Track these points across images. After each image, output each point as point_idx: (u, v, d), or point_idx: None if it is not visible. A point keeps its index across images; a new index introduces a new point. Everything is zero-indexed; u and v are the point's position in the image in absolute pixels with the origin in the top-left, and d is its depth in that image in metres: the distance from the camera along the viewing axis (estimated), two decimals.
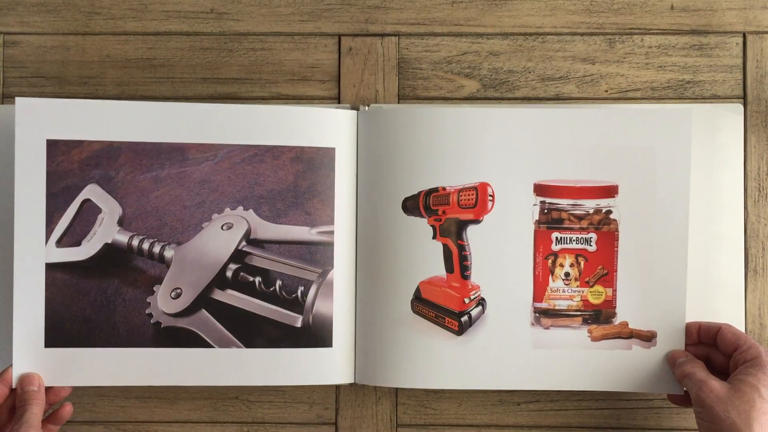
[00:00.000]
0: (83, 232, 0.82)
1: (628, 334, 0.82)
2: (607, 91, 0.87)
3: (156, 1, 0.89)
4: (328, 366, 0.82)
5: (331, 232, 0.82)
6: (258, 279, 0.82)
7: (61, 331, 0.81)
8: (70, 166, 0.81)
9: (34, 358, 0.81)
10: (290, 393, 0.87)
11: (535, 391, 0.86)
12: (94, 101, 0.83)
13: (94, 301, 0.82)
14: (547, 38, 0.88)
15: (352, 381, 0.84)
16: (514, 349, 0.82)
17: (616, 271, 0.82)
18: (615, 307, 0.82)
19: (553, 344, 0.83)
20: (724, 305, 0.85)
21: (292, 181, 0.82)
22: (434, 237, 0.82)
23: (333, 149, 0.83)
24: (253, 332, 0.82)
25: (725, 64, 0.87)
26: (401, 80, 0.88)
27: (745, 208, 0.86)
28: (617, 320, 0.82)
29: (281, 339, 0.82)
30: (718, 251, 0.85)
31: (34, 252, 0.81)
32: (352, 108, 0.86)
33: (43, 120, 0.81)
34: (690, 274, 0.82)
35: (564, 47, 0.88)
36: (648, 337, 0.81)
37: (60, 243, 0.81)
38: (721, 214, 0.85)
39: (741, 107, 0.86)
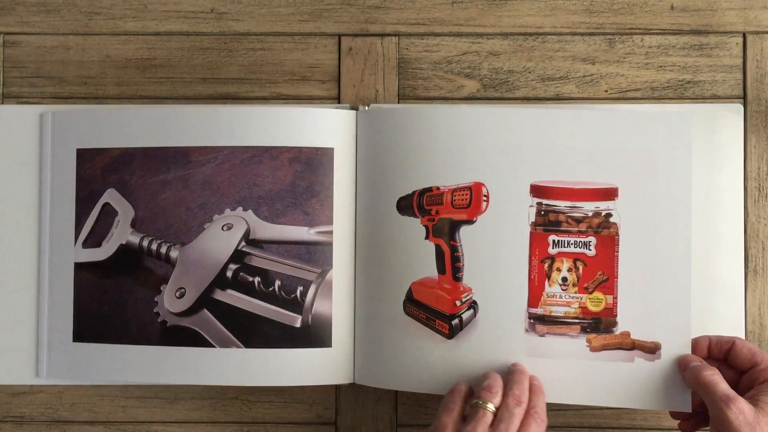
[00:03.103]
0: (103, 234, 0.87)
1: (630, 345, 0.80)
2: (607, 91, 0.89)
3: (156, 1, 0.91)
4: (328, 366, 0.84)
5: (330, 232, 0.84)
6: (257, 279, 0.85)
7: (86, 327, 0.87)
8: (94, 172, 0.87)
9: (64, 352, 0.87)
10: (290, 393, 0.89)
11: None
12: (115, 108, 0.88)
13: (111, 299, 0.86)
14: (547, 38, 0.89)
15: (351, 381, 0.85)
16: (506, 356, 0.81)
17: (617, 278, 0.81)
18: (616, 316, 0.81)
19: (549, 353, 0.81)
20: (724, 305, 0.86)
21: (291, 181, 0.84)
22: (426, 237, 0.82)
23: (332, 149, 0.84)
24: (253, 332, 0.84)
25: (725, 64, 0.88)
26: (401, 80, 0.90)
27: (745, 208, 0.87)
28: (618, 330, 0.80)
29: (280, 339, 0.84)
30: (718, 251, 0.86)
31: (66, 252, 0.87)
32: (352, 108, 0.87)
33: (74, 130, 0.87)
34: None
35: (564, 47, 0.89)
36: (651, 349, 0.79)
37: (85, 244, 0.87)
38: (721, 214, 0.86)
39: (741, 107, 0.87)
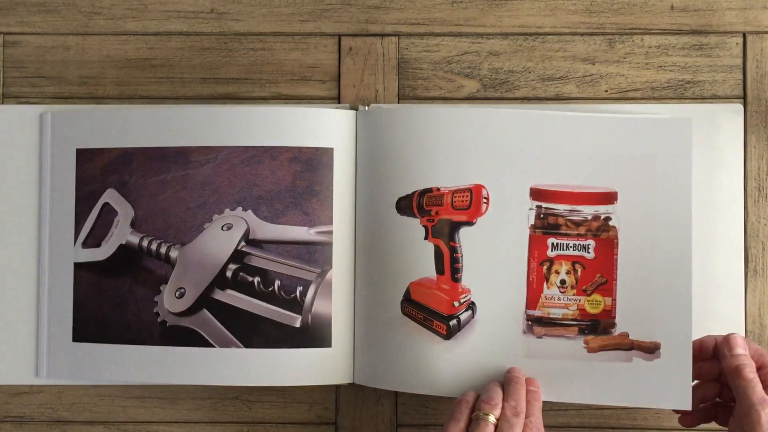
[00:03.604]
0: (102, 234, 0.87)
1: (628, 345, 0.80)
2: (607, 91, 0.89)
3: (156, 1, 0.91)
4: (327, 366, 0.84)
5: (330, 232, 0.84)
6: (257, 279, 0.85)
7: (86, 327, 0.87)
8: (94, 172, 0.87)
9: (63, 352, 0.87)
10: (290, 393, 0.89)
11: None
12: (115, 108, 0.89)
13: (110, 299, 0.87)
14: (547, 38, 0.90)
15: (351, 381, 0.85)
16: (504, 358, 0.82)
17: (616, 280, 0.81)
18: (614, 317, 0.81)
19: (547, 354, 0.81)
20: (724, 305, 0.86)
21: (291, 181, 0.85)
22: (426, 238, 0.82)
23: (331, 149, 0.85)
24: (253, 332, 0.84)
25: (725, 64, 0.89)
26: (401, 80, 0.90)
27: (745, 208, 0.87)
28: (617, 331, 0.81)
29: (280, 339, 0.84)
30: (718, 251, 0.87)
31: (65, 252, 0.88)
32: (352, 108, 0.88)
33: (74, 130, 0.88)
34: None
35: (564, 47, 0.89)
36: (651, 349, 0.80)
37: (85, 244, 0.87)
38: (721, 214, 0.87)
39: (741, 107, 0.87)
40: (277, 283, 0.85)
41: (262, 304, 0.85)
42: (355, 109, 0.87)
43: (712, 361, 0.80)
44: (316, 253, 0.84)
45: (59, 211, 0.88)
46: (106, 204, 0.87)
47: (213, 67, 0.91)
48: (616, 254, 0.81)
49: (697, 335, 0.80)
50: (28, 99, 0.91)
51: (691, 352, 0.79)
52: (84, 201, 0.88)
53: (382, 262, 0.84)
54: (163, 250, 0.86)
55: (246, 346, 0.84)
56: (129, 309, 0.86)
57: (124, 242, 0.87)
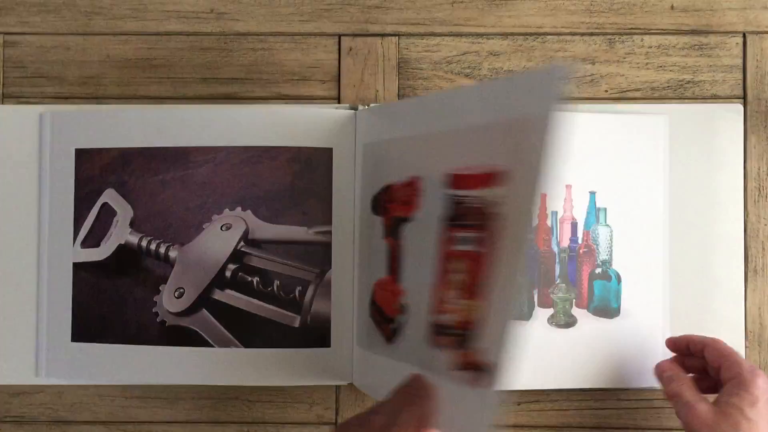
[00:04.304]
0: (102, 234, 0.87)
1: (470, 364, 0.63)
2: (607, 91, 0.89)
3: (156, 1, 0.91)
4: (327, 366, 0.85)
5: (329, 232, 0.85)
6: (256, 279, 0.85)
7: (85, 327, 0.87)
8: (93, 172, 0.87)
9: (62, 352, 0.87)
10: (290, 393, 0.89)
11: (535, 390, 0.87)
12: (115, 108, 0.89)
13: (109, 299, 0.87)
14: (547, 38, 0.90)
15: (350, 381, 0.85)
16: (411, 367, 0.71)
17: (493, 279, 0.62)
18: (473, 327, 0.63)
19: (431, 367, 0.68)
20: (724, 305, 0.87)
21: (290, 181, 0.85)
22: (383, 236, 0.79)
23: (330, 149, 0.85)
24: (252, 332, 0.85)
25: (725, 64, 0.89)
26: (401, 80, 0.90)
27: (745, 208, 0.87)
28: (472, 344, 0.63)
29: (279, 339, 0.84)
30: (717, 251, 0.87)
31: (65, 252, 0.88)
32: (351, 108, 0.88)
33: (73, 131, 0.88)
34: (689, 274, 0.84)
35: (564, 47, 0.90)
36: (479, 368, 0.61)
37: (84, 244, 0.87)
38: (721, 214, 0.87)
39: (741, 107, 0.88)
40: (276, 283, 0.85)
41: (262, 304, 0.85)
42: (355, 109, 0.87)
43: (690, 357, 0.82)
44: (315, 253, 0.85)
45: (58, 211, 0.88)
46: (105, 204, 0.87)
47: (213, 67, 0.91)
48: (501, 247, 0.61)
49: (697, 335, 0.81)
50: (28, 99, 0.91)
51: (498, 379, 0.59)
52: (83, 201, 0.88)
53: (371, 261, 0.83)
54: (162, 250, 0.86)
55: (245, 346, 0.84)
56: (128, 309, 0.86)
57: (123, 242, 0.87)
